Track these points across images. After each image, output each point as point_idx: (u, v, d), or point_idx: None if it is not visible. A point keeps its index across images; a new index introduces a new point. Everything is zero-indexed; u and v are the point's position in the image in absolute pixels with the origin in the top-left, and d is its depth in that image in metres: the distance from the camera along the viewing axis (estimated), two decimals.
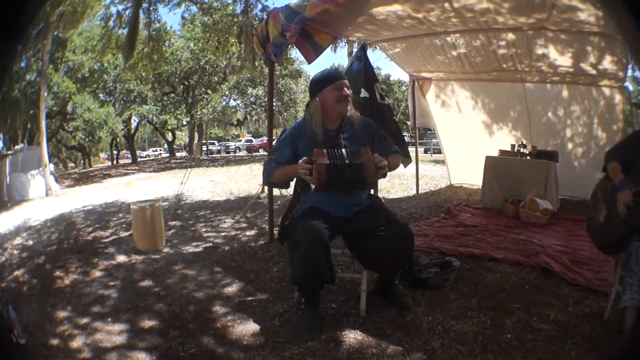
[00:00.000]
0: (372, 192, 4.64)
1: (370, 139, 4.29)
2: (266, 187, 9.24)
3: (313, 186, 3.95)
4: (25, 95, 22.81)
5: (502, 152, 9.73)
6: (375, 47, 13.21)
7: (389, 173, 4.41)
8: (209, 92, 39.95)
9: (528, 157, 9.36)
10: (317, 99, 4.21)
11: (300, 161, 3.95)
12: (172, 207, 10.56)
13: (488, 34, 7.86)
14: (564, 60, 8.23)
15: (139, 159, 50.40)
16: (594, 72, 8.41)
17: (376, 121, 4.73)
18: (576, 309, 4.32)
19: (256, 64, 24.54)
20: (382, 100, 7.83)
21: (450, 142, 12.43)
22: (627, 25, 2.14)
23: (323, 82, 4.23)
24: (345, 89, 4.20)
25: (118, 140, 54.37)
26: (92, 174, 32.48)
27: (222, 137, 79.88)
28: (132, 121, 44.45)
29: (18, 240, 8.90)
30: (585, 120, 9.75)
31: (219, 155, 54.91)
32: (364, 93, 7.49)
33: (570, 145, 10.16)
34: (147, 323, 4.39)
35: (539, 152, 9.24)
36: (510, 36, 7.79)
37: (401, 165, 5.49)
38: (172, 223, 9.12)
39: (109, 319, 4.52)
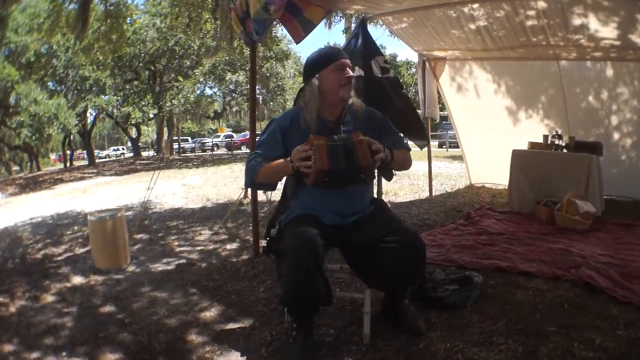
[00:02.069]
0: (375, 195, 4.61)
1: (376, 132, 4.15)
2: (249, 192, 9.22)
3: (308, 181, 3.86)
4: None
5: (533, 144, 9.67)
6: (378, 22, 13.23)
7: (397, 172, 4.38)
8: (180, 78, 39.99)
9: (565, 150, 9.28)
10: (315, 82, 4.10)
11: (297, 147, 3.82)
12: (137, 217, 10.56)
13: (514, 2, 7.75)
14: (607, 32, 7.99)
15: (97, 160, 50.49)
16: None
17: (374, 100, 4.67)
18: (628, 332, 4.21)
19: (235, 44, 24.52)
20: (384, 75, 7.81)
21: (469, 134, 12.46)
22: None
23: (321, 63, 4.13)
24: (348, 69, 4.11)
25: (72, 138, 54.50)
26: (41, 178, 32.59)
27: (197, 133, 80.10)
28: (88, 115, 44.52)
29: None
30: (635, 104, 9.63)
31: (192, 154, 55.06)
32: (358, 71, 7.47)
33: (616, 135, 10.09)
34: (110, 356, 4.34)
35: (578, 144, 9.13)
36: (541, 4, 7.65)
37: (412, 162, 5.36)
38: (138, 236, 9.12)
39: (64, 353, 4.47)
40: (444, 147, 38.48)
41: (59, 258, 8.06)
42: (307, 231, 3.72)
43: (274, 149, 4.11)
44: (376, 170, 4.11)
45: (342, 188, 4.02)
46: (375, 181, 4.65)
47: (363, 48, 7.77)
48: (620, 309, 4.66)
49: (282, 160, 3.97)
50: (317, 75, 4.10)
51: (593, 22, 7.74)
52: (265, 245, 4.29)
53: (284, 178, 4.30)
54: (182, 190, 16.39)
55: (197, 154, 55.80)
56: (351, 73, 4.11)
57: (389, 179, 4.47)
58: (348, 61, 4.17)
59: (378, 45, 8.51)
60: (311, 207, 4.06)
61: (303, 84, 4.26)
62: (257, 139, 4.82)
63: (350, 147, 3.76)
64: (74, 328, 5.04)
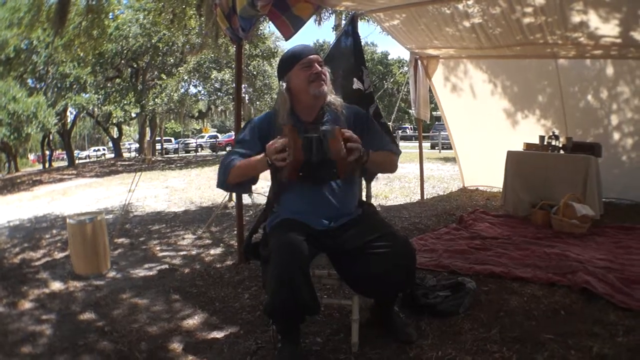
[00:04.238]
0: (364, 198, 4.59)
1: (358, 132, 3.99)
2: (234, 195, 9.19)
3: (283, 176, 3.82)
4: None
5: (529, 145, 9.66)
6: (369, 19, 13.21)
7: (381, 175, 4.35)
8: (163, 76, 39.85)
9: (562, 152, 9.28)
10: (284, 84, 4.11)
11: (272, 141, 3.75)
12: (118, 221, 10.52)
13: None
14: (608, 29, 7.91)
15: (77, 161, 50.28)
16: None
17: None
18: (628, 339, 4.19)
19: (220, 41, 24.44)
20: (369, 89, 7.81)
21: (462, 135, 12.50)
22: None
23: (288, 64, 4.14)
24: (317, 65, 4.07)
25: (51, 137, 54.24)
26: (19, 180, 32.44)
27: (181, 133, 80.00)
28: (68, 114, 44.25)
29: None
30: (636, 103, 9.66)
31: (176, 155, 54.90)
32: (357, 84, 7.46)
33: (616, 136, 10.13)
34: None
35: (575, 145, 9.14)
36: (539, 1, 7.57)
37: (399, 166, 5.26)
38: (119, 240, 9.10)
39: None
40: (436, 148, 38.59)
41: (37, 263, 8.03)
42: (292, 237, 3.69)
43: (251, 147, 4.06)
44: (346, 175, 4.05)
45: (317, 185, 4.01)
46: (363, 184, 4.64)
47: (354, 52, 7.75)
48: (619, 316, 4.65)
49: (258, 156, 3.90)
50: (285, 77, 4.12)
51: (593, 19, 7.66)
52: (244, 251, 4.26)
53: (267, 179, 4.23)
54: (164, 192, 16.38)
55: (180, 155, 55.72)
56: (319, 68, 4.07)
57: (368, 180, 4.43)
58: (316, 56, 4.13)
59: (369, 42, 8.48)
60: (297, 211, 4.02)
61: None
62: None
63: (321, 139, 3.69)
64: (52, 336, 5.01)
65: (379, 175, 4.59)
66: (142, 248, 8.56)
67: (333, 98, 4.18)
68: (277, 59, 40.60)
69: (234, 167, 3.96)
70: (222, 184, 4.14)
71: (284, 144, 3.64)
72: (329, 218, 4.05)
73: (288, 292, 3.57)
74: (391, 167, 4.50)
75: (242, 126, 4.38)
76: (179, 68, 39.54)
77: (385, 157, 4.29)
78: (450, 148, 14.87)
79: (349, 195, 4.19)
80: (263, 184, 4.34)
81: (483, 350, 4.09)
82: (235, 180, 4.05)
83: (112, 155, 56.99)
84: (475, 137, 11.99)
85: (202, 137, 66.17)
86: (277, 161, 3.66)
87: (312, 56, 4.09)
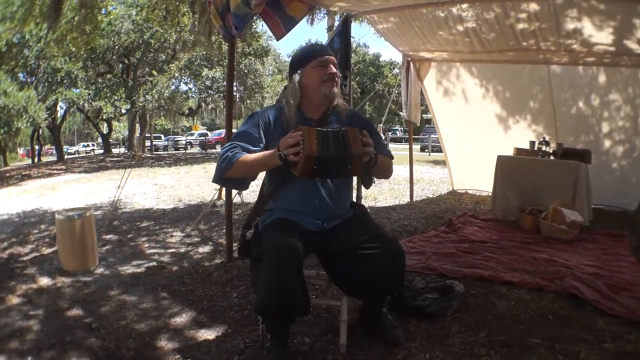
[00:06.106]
0: (354, 200, 4.58)
1: None
2: (224, 193, 9.18)
3: (295, 171, 3.70)
4: None
5: (519, 150, 9.67)
6: (362, 20, 13.22)
7: (376, 180, 4.34)
8: (155, 73, 39.64)
9: (552, 157, 9.29)
10: (296, 78, 4.09)
11: (286, 135, 3.70)
12: (107, 217, 10.49)
13: (505, 3, 7.65)
14: (602, 37, 7.88)
15: (66, 156, 50.08)
16: None
17: None
18: (615, 345, 4.21)
19: (213, 39, 24.38)
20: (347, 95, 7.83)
21: (453, 139, 12.48)
22: None
23: (304, 59, 4.13)
24: (332, 66, 4.07)
25: (41, 132, 54.06)
26: (8, 174, 32.26)
27: (170, 130, 79.76)
28: (58, 108, 44.09)
29: None
30: (628, 111, 9.66)
31: (165, 152, 54.73)
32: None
33: (607, 143, 10.13)
34: None
35: (566, 151, 9.14)
36: (533, 6, 7.53)
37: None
38: (107, 237, 9.08)
39: (30, 358, 4.43)
40: (426, 151, 38.59)
41: (25, 258, 8.01)
42: (288, 238, 3.66)
43: (254, 141, 3.98)
44: (359, 174, 4.08)
45: (329, 181, 4.02)
46: (354, 185, 4.64)
47: (345, 53, 7.76)
48: (606, 322, 4.66)
49: (268, 151, 3.85)
50: (299, 72, 4.09)
51: (587, 27, 7.64)
52: (239, 247, 4.23)
53: (259, 178, 4.23)
54: (153, 189, 16.37)
55: (169, 152, 55.59)
56: (334, 70, 4.06)
57: (367, 185, 4.42)
58: (333, 58, 4.14)
59: (362, 44, 8.48)
60: (290, 210, 4.01)
61: (286, 82, 4.26)
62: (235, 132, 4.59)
63: (340, 134, 3.68)
64: (40, 332, 4.99)
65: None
66: (130, 245, 8.56)
67: (340, 102, 4.20)
68: (269, 58, 40.46)
69: (238, 161, 3.83)
70: (219, 177, 4.01)
71: (297, 138, 3.61)
72: (322, 219, 4.05)
73: (282, 293, 3.54)
74: (389, 173, 4.48)
75: (235, 124, 4.36)
76: (170, 65, 39.38)
77: (386, 162, 4.29)
78: (440, 151, 14.90)
79: (343, 196, 4.20)
80: (255, 182, 4.32)
81: (471, 353, 4.10)
82: (236, 174, 3.96)
83: (101, 151, 56.82)
84: (465, 140, 12.00)
85: (192, 134, 66.03)
86: (290, 156, 3.61)
87: (329, 57, 4.11)
